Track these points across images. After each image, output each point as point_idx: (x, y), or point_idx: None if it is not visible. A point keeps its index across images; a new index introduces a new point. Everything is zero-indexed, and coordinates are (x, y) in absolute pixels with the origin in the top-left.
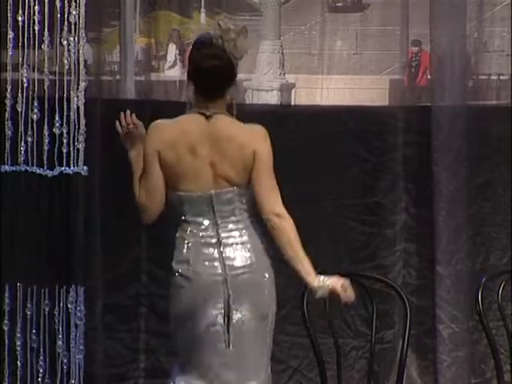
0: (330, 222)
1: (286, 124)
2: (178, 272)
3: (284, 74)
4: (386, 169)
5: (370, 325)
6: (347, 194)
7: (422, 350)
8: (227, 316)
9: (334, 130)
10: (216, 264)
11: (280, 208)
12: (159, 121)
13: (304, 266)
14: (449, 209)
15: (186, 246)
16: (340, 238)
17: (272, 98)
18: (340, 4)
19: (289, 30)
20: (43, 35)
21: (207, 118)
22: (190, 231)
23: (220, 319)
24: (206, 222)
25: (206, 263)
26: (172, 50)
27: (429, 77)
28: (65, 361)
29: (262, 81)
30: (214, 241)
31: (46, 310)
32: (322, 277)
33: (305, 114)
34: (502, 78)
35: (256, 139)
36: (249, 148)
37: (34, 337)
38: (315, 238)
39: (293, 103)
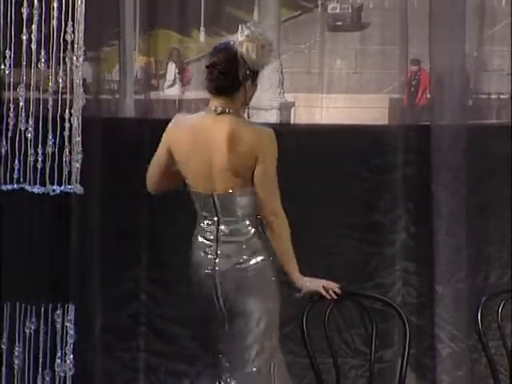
0: (329, 241)
1: (286, 143)
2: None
3: (283, 92)
4: (385, 188)
5: (369, 344)
6: (347, 212)
7: (421, 370)
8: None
9: (333, 148)
10: (210, 257)
11: (279, 209)
12: (179, 115)
13: (291, 263)
14: (448, 228)
15: (194, 240)
16: (340, 257)
17: (271, 117)
18: (339, 23)
19: (288, 49)
20: (40, 54)
21: (217, 114)
22: (199, 225)
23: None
24: (210, 219)
25: (202, 255)
26: (171, 69)
27: (428, 96)
28: (63, 378)
29: (261, 99)
30: (212, 237)
31: (40, 328)
32: (306, 278)
33: (304, 133)
34: (501, 97)
35: (260, 140)
36: (252, 149)
37: (32, 355)
38: (315, 257)
39: (292, 122)
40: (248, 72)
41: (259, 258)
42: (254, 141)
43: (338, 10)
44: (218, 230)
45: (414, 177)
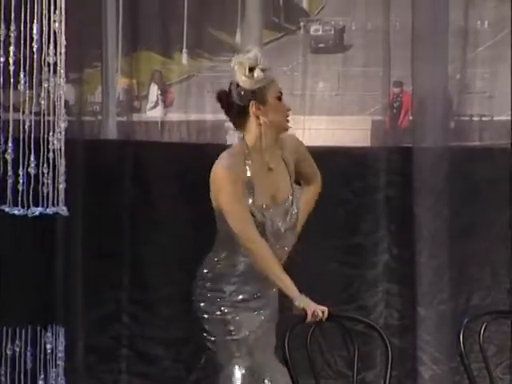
0: (311, 263)
1: None
2: None
3: None
4: (368, 210)
5: (351, 366)
6: (329, 234)
7: None
8: None
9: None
10: None
11: (253, 235)
12: None
13: (285, 283)
14: (431, 250)
15: None
16: (322, 279)
17: None
18: (322, 45)
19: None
20: (19, 76)
21: None
22: None
23: None
24: None
25: None
26: (154, 91)
27: (410, 118)
28: None
29: None
30: None
31: (27, 350)
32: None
33: None
34: (484, 119)
35: (212, 178)
36: (212, 189)
37: (15, 377)
38: (297, 278)
39: None
40: (243, 93)
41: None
42: (211, 179)
43: (320, 32)
44: None
45: (397, 199)
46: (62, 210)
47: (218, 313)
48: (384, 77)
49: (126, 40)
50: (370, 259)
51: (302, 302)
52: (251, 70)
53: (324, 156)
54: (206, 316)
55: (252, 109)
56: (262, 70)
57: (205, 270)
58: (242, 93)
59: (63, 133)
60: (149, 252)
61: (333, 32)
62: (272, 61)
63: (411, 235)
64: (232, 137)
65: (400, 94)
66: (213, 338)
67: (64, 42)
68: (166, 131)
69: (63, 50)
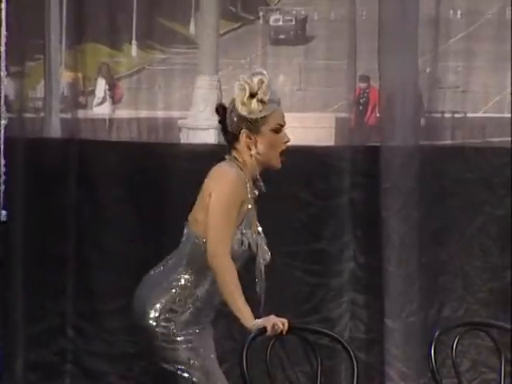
0: (270, 271)
1: None
2: None
3: None
4: (331, 214)
5: (314, 382)
6: (290, 240)
7: None
8: None
9: (275, 171)
10: None
11: (226, 253)
12: None
13: (239, 308)
14: (399, 257)
15: None
16: (282, 289)
17: (209, 137)
18: (282, 36)
19: (227, 64)
20: None
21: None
22: None
23: None
24: None
25: None
26: (101, 85)
27: (378, 115)
28: None
29: (198, 119)
30: None
31: None
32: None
33: None
34: (456, 115)
35: (210, 176)
36: (206, 187)
37: None
38: (254, 288)
39: None
40: (235, 119)
41: None
42: (207, 182)
43: (280, 23)
44: None
45: (363, 201)
46: (1, 213)
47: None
48: (349, 71)
49: (70, 30)
50: (335, 267)
51: (257, 325)
52: (252, 96)
53: (284, 156)
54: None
55: (242, 138)
56: (261, 102)
57: (162, 300)
58: (235, 119)
59: (2, 131)
60: (96, 259)
61: (294, 22)
62: (228, 53)
63: (378, 241)
64: (185, 135)
65: (366, 89)
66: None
67: (4, 33)
68: (115, 129)
69: (3, 42)
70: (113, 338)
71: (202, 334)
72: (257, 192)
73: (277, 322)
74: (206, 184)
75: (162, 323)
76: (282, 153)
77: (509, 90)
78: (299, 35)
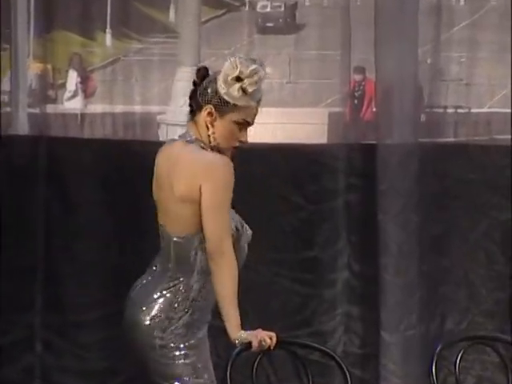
0: (258, 281)
1: None
2: None
3: None
4: (324, 218)
5: None
6: (279, 247)
7: None
8: None
9: (263, 172)
10: None
11: (229, 248)
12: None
13: (229, 313)
14: (397, 264)
15: None
16: (271, 300)
17: None
18: (271, 24)
19: (210, 55)
20: None
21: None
22: None
23: None
24: None
25: None
26: (72, 78)
27: (374, 110)
28: None
29: (178, 114)
30: None
31: None
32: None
33: None
34: (459, 111)
35: (201, 172)
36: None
37: None
38: (241, 299)
39: None
40: (209, 90)
41: None
42: (196, 171)
43: (268, 9)
44: None
45: (358, 204)
46: None
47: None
48: (343, 62)
49: (39, 18)
50: (327, 276)
51: (241, 339)
52: (237, 80)
53: (272, 155)
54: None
55: (204, 112)
56: (243, 91)
57: (157, 310)
58: (209, 90)
59: None
60: (66, 266)
61: (283, 9)
62: (211, 42)
63: (375, 247)
64: (164, 132)
65: (362, 81)
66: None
67: None
68: (87, 125)
69: None
70: (85, 352)
71: (200, 346)
72: None
73: (264, 337)
74: (190, 174)
75: (160, 334)
76: (234, 150)
77: None
78: (289, 23)
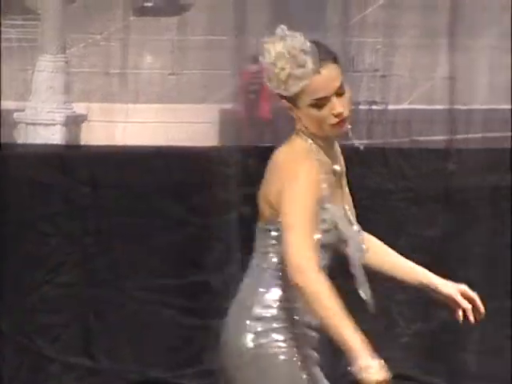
0: (135, 310)
1: (74, 171)
2: None
3: (71, 101)
4: (215, 235)
5: None
6: (161, 271)
7: None
8: None
9: (140, 179)
10: None
11: (304, 260)
12: None
13: (342, 334)
14: None
15: None
16: (149, 333)
17: (54, 136)
18: (150, 4)
19: (78, 41)
20: None
21: None
22: None
23: None
24: None
25: None
26: None
27: (273, 106)
28: None
29: (39, 111)
30: None
31: None
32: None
33: (100, 158)
34: (374, 107)
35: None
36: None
37: None
38: (114, 334)
39: (83, 143)
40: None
41: None
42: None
43: None
44: None
45: (254, 218)
46: None
47: None
48: (236, 49)
49: None
50: (218, 304)
51: (374, 372)
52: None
53: (151, 159)
54: None
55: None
56: (288, 78)
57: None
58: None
59: None
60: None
61: None
62: (79, 26)
63: None
64: (22, 132)
65: (259, 72)
66: None
67: None
68: None
69: None
70: None
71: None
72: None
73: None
74: (282, 164)
75: (262, 340)
76: (339, 125)
77: (441, 74)
78: (171, 3)
